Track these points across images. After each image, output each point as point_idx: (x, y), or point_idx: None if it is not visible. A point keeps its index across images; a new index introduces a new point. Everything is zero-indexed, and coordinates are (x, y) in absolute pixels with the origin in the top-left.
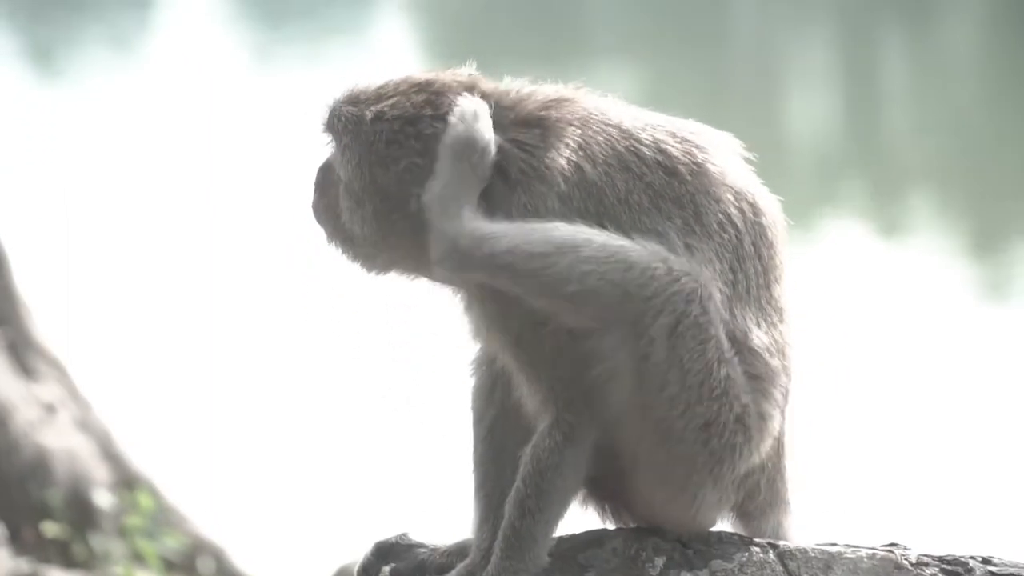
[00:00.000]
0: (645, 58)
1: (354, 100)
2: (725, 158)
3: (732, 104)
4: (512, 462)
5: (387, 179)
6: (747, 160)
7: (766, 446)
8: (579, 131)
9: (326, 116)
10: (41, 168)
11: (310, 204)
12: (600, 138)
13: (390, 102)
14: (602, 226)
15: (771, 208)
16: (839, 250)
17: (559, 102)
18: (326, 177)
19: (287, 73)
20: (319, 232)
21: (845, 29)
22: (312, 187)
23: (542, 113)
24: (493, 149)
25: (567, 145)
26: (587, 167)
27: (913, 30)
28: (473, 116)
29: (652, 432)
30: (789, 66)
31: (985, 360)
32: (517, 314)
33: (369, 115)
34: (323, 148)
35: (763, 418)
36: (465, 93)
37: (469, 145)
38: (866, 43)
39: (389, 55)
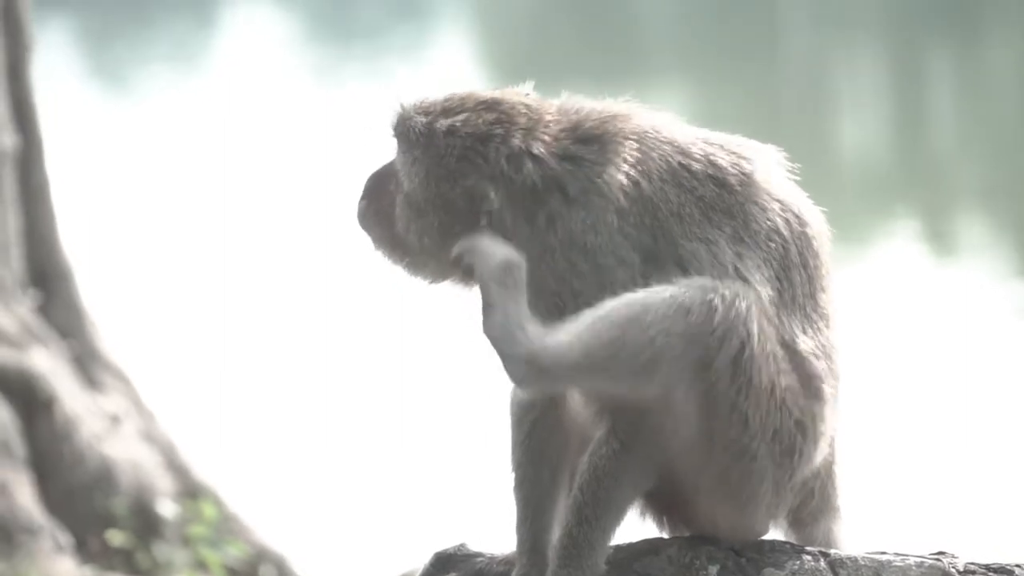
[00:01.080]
0: (698, 76)
1: (425, 111)
2: (771, 170)
3: (783, 122)
4: (550, 465)
5: (453, 194)
6: (792, 172)
7: (823, 448)
8: (636, 146)
9: (396, 123)
10: (108, 182)
11: (357, 209)
12: (655, 154)
13: (461, 117)
14: (655, 240)
15: (816, 219)
16: (889, 267)
17: (615, 118)
18: (380, 184)
19: (350, 90)
20: (365, 238)
21: (894, 48)
22: (362, 193)
23: (599, 130)
24: (524, 262)
25: (625, 160)
26: (643, 182)
27: (961, 49)
28: (487, 245)
29: (720, 450)
30: (839, 85)
31: None
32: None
33: (441, 128)
34: (382, 154)
35: (818, 420)
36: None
37: (507, 269)
38: (915, 61)
39: (450, 72)
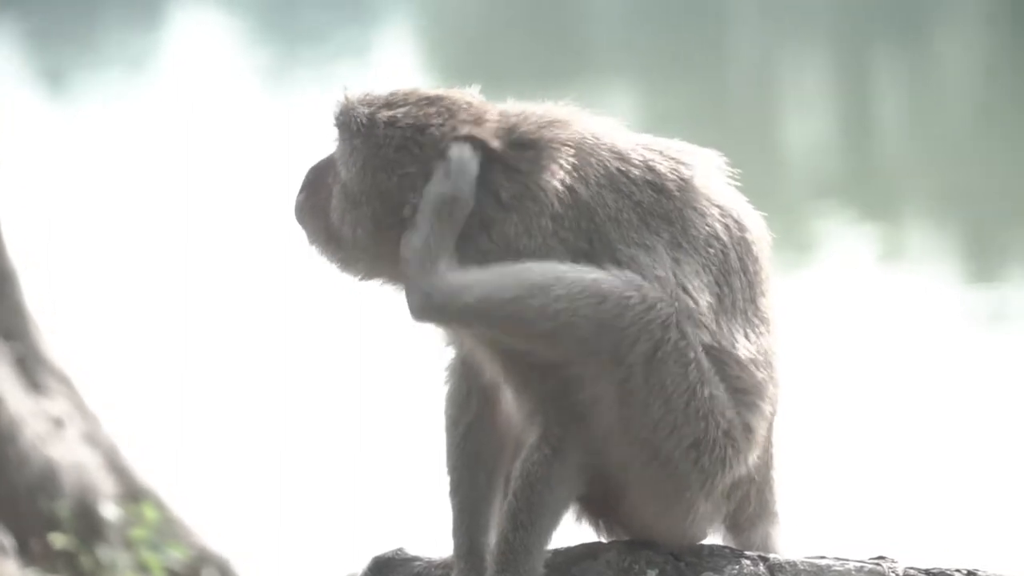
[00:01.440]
0: (646, 77)
1: (368, 103)
2: (710, 175)
3: (731, 123)
4: (486, 468)
5: (389, 184)
6: (736, 175)
7: (753, 457)
8: (573, 152)
9: (338, 113)
10: (51, 186)
11: (295, 203)
12: (592, 159)
13: (403, 110)
14: (591, 244)
15: (756, 223)
16: (836, 270)
17: (553, 124)
18: (318, 177)
19: (297, 94)
20: (301, 232)
21: (841, 48)
22: (301, 186)
23: (535, 135)
24: (472, 203)
25: (561, 167)
26: (580, 188)
27: (907, 49)
28: (460, 171)
29: (640, 453)
30: (786, 86)
31: (974, 380)
32: None
33: (382, 119)
34: (327, 146)
35: (750, 430)
36: (457, 139)
37: (453, 202)
38: (862, 61)
39: (396, 76)
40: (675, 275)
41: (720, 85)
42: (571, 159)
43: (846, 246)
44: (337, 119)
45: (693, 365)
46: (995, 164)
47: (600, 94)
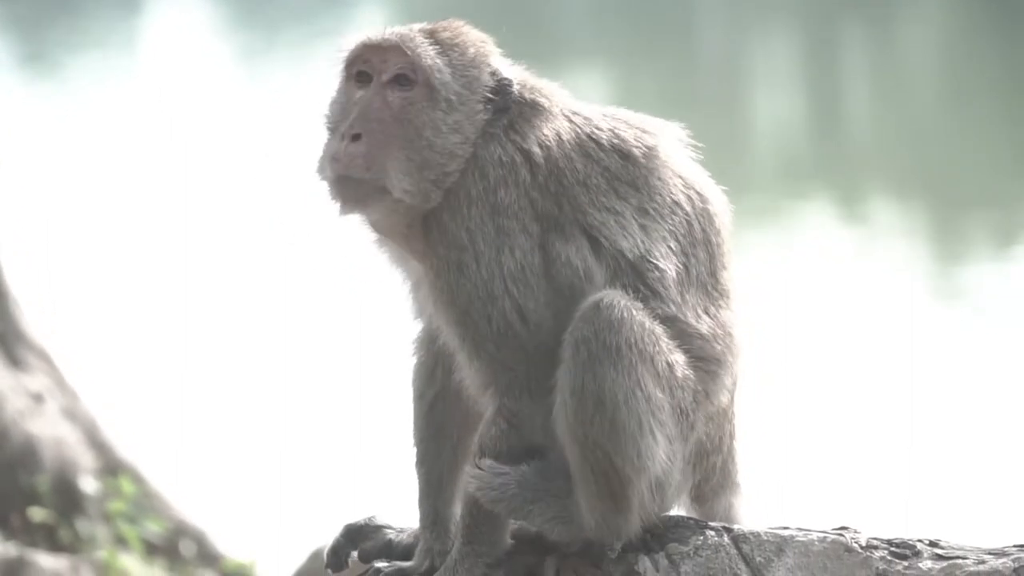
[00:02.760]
0: (615, 60)
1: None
2: (673, 145)
3: (699, 104)
4: (451, 439)
5: (464, 91)
6: (702, 154)
7: (704, 421)
8: (546, 114)
9: (416, 36)
10: (30, 167)
11: (353, 151)
12: (564, 123)
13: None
14: (560, 208)
15: (717, 196)
16: (801, 247)
17: (526, 86)
18: (366, 119)
19: (277, 76)
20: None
21: (808, 27)
22: (351, 134)
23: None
24: None
25: (537, 127)
26: (553, 148)
27: (874, 27)
28: None
29: (601, 423)
30: (754, 67)
31: (937, 356)
32: (467, 290)
33: (445, 39)
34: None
35: (708, 396)
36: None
37: None
38: (829, 40)
39: None
40: (642, 243)
41: (689, 66)
42: (545, 121)
43: (813, 224)
44: (422, 39)
45: (640, 341)
46: (962, 143)
47: (571, 76)
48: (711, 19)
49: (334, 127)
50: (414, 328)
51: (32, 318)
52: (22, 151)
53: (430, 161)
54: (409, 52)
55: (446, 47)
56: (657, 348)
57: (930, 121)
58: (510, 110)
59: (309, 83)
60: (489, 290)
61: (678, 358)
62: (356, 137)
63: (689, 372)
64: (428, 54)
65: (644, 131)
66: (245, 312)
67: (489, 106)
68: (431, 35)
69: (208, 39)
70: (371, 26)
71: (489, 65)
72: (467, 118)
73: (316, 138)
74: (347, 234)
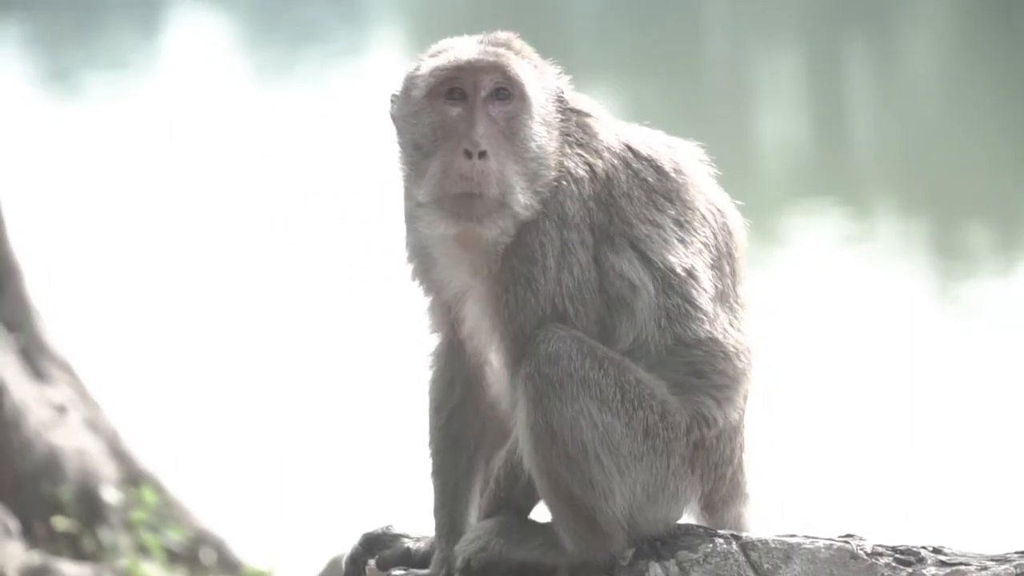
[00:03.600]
0: (622, 74)
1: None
2: (695, 163)
3: (706, 119)
4: (467, 450)
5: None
6: (712, 167)
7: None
8: (594, 123)
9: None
10: (54, 183)
11: (484, 167)
12: (608, 134)
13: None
14: (609, 218)
15: (733, 212)
16: (807, 260)
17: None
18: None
19: (294, 94)
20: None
21: (813, 45)
22: (478, 148)
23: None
24: None
25: (594, 137)
26: (603, 158)
27: (878, 46)
28: None
29: (556, 455)
30: (759, 82)
31: (941, 366)
32: (531, 305)
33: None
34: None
35: (716, 421)
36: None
37: None
38: (833, 59)
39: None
40: (686, 258)
41: (695, 80)
42: (596, 131)
43: (818, 238)
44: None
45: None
46: (966, 156)
47: (580, 90)
48: (717, 34)
49: (433, 146)
50: (429, 341)
51: (55, 330)
52: (43, 166)
53: (538, 173)
54: (507, 67)
55: (527, 60)
56: (602, 374)
57: (934, 135)
58: (570, 119)
59: (326, 101)
60: (546, 308)
61: (631, 378)
62: (483, 154)
63: (654, 390)
64: (521, 66)
65: (670, 147)
66: (264, 323)
67: (561, 116)
68: (507, 46)
69: (227, 58)
70: (448, 43)
71: (552, 77)
72: (554, 127)
73: (333, 149)
74: (348, 236)
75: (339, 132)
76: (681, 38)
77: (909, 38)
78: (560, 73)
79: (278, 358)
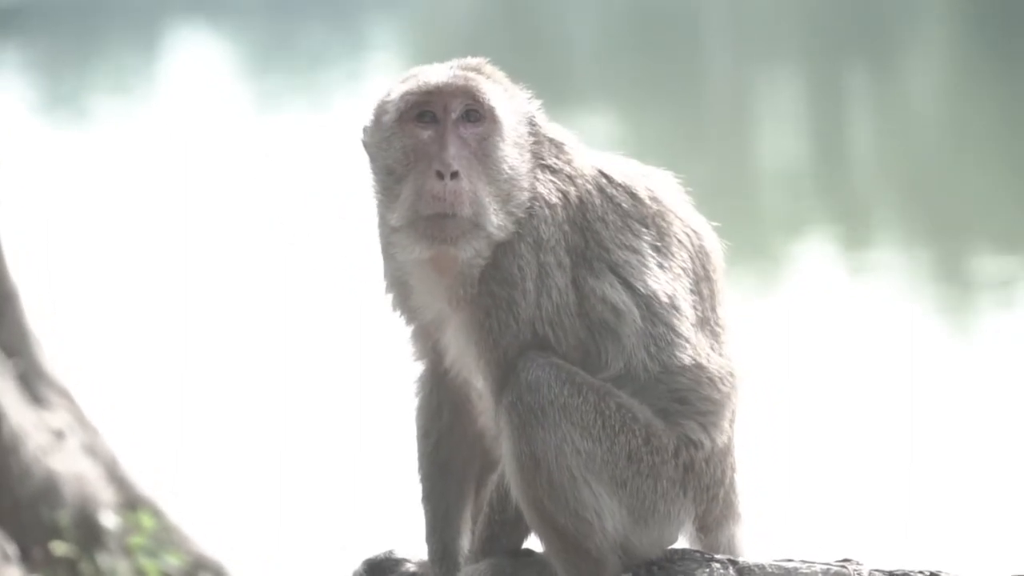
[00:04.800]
0: (621, 101)
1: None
2: (669, 190)
3: (704, 143)
4: (456, 475)
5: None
6: (701, 189)
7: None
8: (568, 149)
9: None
10: (52, 205)
11: (455, 189)
12: (582, 160)
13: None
14: (586, 241)
15: (710, 234)
16: (807, 287)
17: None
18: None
19: (291, 119)
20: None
21: (813, 72)
22: (450, 168)
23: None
24: None
25: (568, 161)
26: (576, 183)
27: (877, 71)
28: None
29: (541, 483)
30: (760, 107)
31: (939, 392)
32: (512, 330)
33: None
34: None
35: (701, 445)
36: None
37: None
38: (833, 85)
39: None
40: (667, 284)
41: (695, 105)
42: (570, 156)
43: (818, 263)
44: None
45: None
46: (965, 183)
47: (578, 119)
48: (717, 59)
49: (405, 169)
50: (415, 368)
51: (53, 356)
52: (42, 190)
53: (511, 194)
54: (476, 89)
55: (499, 84)
56: (582, 400)
57: (935, 160)
58: (542, 144)
59: (326, 126)
60: (527, 332)
61: (611, 403)
62: (455, 175)
63: (636, 414)
64: (491, 88)
65: (644, 175)
66: (262, 351)
67: (534, 139)
68: (477, 71)
69: (227, 82)
70: (418, 68)
71: (522, 101)
72: (526, 149)
73: (333, 151)
74: (348, 236)
75: (339, 135)
76: (681, 63)
77: (909, 63)
78: (531, 98)
79: (277, 378)
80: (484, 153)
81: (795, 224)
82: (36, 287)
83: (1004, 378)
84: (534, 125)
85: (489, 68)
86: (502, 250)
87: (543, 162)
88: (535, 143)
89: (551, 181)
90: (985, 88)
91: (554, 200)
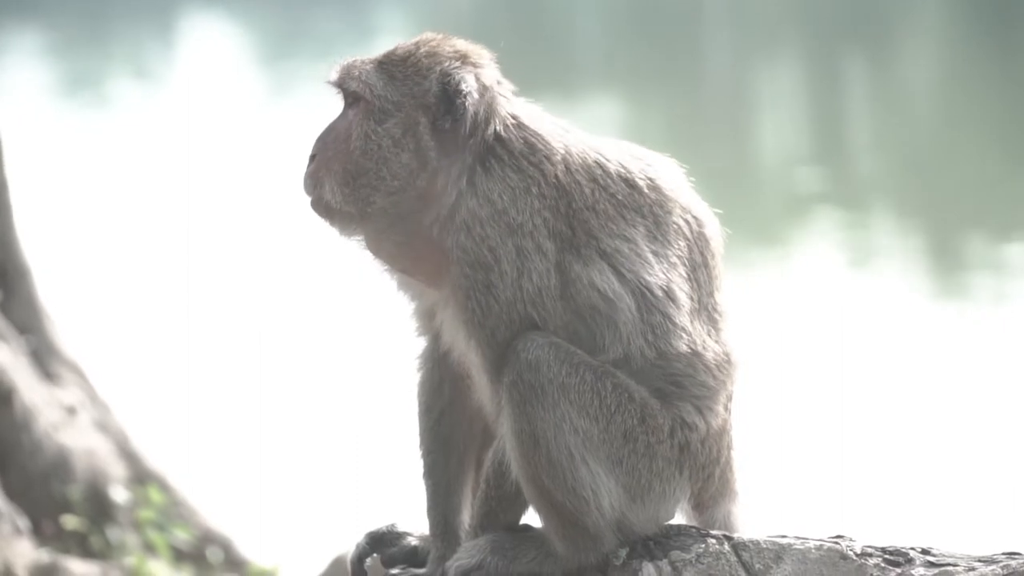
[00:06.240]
0: (624, 89)
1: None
2: (671, 176)
3: (705, 131)
4: (457, 450)
5: (428, 84)
6: (703, 177)
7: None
8: (557, 139)
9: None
10: (64, 184)
11: (306, 172)
12: (575, 148)
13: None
14: (572, 230)
15: (712, 220)
16: (806, 273)
17: (539, 115)
18: (323, 140)
19: (303, 103)
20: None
21: (812, 63)
22: (310, 157)
23: (526, 120)
24: None
25: (548, 151)
26: (560, 172)
27: (875, 59)
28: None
29: (539, 461)
30: (759, 96)
31: (932, 368)
32: (495, 312)
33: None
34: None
35: (696, 427)
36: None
37: None
38: (832, 75)
39: None
40: (662, 274)
41: (696, 94)
42: (548, 148)
43: (817, 249)
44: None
45: (580, 366)
46: (962, 167)
47: (581, 107)
48: (717, 49)
49: None
50: (417, 344)
51: (65, 332)
52: (55, 170)
53: (363, 167)
54: (339, 75)
55: (392, 62)
56: (579, 379)
57: (932, 146)
58: (478, 124)
59: (330, 114)
60: (511, 313)
61: (608, 383)
62: (311, 159)
63: (632, 394)
64: (361, 71)
65: (647, 163)
66: (269, 326)
67: (442, 111)
68: (387, 55)
69: (238, 68)
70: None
71: (437, 72)
72: (403, 123)
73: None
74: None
75: None
76: (683, 52)
77: (907, 51)
78: (528, 97)
79: (284, 358)
80: (348, 133)
81: (793, 209)
82: (48, 265)
83: (998, 359)
84: (448, 90)
85: (409, 47)
86: (466, 234)
87: (511, 156)
88: (450, 112)
89: (520, 173)
90: (982, 75)
91: (524, 189)
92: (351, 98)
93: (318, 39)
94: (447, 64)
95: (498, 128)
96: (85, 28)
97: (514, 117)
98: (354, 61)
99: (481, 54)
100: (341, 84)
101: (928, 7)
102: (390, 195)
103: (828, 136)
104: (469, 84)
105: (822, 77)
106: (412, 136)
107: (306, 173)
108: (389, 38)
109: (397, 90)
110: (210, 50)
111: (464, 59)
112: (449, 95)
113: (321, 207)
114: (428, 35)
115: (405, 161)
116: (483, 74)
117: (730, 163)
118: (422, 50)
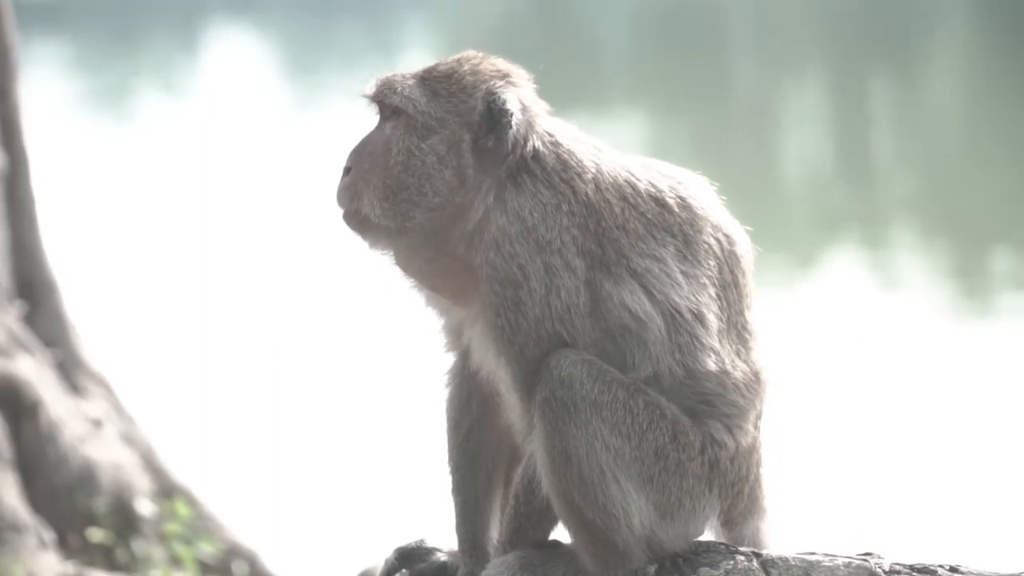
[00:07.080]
0: (650, 105)
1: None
2: (702, 194)
3: (731, 148)
4: (486, 467)
5: (472, 102)
6: (728, 193)
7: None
8: (588, 158)
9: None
10: (91, 196)
11: (340, 184)
12: (606, 167)
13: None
14: (602, 248)
15: (743, 238)
16: (831, 290)
17: (572, 134)
18: (358, 154)
19: (324, 120)
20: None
21: (837, 80)
22: (344, 170)
23: (559, 138)
24: None
25: (579, 170)
26: (591, 191)
27: (900, 76)
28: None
29: (571, 477)
30: (784, 112)
31: (959, 385)
32: (524, 329)
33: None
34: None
35: (725, 445)
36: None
37: None
38: (857, 92)
39: None
40: (691, 295)
41: (721, 110)
42: (579, 166)
43: (842, 266)
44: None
45: (614, 381)
46: (987, 185)
47: (608, 123)
48: (743, 65)
49: None
50: (446, 360)
51: (91, 346)
52: (82, 182)
53: (404, 183)
54: (377, 88)
55: (434, 79)
56: (611, 397)
57: (957, 164)
58: (518, 143)
59: (353, 127)
60: (540, 331)
61: (640, 401)
62: (347, 171)
63: (664, 412)
64: (403, 86)
65: (678, 182)
66: (298, 341)
67: (485, 130)
68: (428, 71)
69: (261, 79)
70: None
71: (483, 90)
72: (447, 140)
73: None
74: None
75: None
76: (708, 67)
77: (932, 69)
78: (555, 111)
79: (312, 369)
80: (388, 146)
81: (818, 226)
82: (74, 278)
83: (1021, 374)
84: (494, 111)
85: (451, 64)
86: (496, 252)
87: (543, 173)
88: (492, 131)
89: (551, 190)
90: (1008, 94)
91: (554, 207)
92: (389, 112)
93: (342, 52)
94: (492, 83)
95: (536, 145)
96: (111, 41)
97: (550, 135)
98: (394, 75)
99: (521, 74)
100: (380, 98)
101: (953, 25)
102: (430, 211)
103: (853, 154)
104: (513, 104)
105: (848, 94)
106: (455, 153)
107: (340, 186)
108: (414, 53)
109: (441, 107)
110: (235, 63)
111: (506, 78)
112: (494, 114)
113: (356, 220)
114: (470, 53)
115: (448, 178)
116: (523, 94)
117: (755, 180)
118: (465, 67)
